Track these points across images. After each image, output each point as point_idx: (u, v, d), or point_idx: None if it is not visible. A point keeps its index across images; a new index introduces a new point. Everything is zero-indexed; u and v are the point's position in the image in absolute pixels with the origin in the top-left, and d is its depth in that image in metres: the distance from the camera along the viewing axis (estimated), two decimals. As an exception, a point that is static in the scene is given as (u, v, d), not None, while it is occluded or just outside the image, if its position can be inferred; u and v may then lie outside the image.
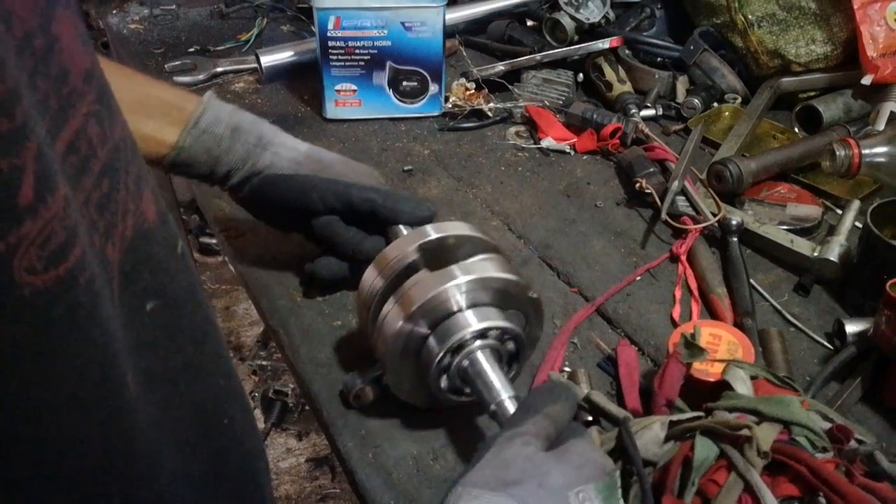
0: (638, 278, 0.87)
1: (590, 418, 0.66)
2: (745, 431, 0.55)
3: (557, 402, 0.52)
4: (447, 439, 0.68)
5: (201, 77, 1.30)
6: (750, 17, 1.17)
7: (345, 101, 1.16)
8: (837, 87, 1.17)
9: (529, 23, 1.41)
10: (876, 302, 0.70)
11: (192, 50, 1.39)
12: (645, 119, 1.15)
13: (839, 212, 0.94)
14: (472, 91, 1.20)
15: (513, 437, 0.50)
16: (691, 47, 1.21)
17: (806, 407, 0.59)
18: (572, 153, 1.11)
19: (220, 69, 1.32)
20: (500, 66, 1.21)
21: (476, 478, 0.47)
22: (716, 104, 1.19)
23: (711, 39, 1.22)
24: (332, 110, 1.17)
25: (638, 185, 0.97)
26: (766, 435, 0.55)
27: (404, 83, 1.16)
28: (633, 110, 1.15)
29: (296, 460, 2.01)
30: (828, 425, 0.59)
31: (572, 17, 1.28)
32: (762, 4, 1.16)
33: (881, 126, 1.07)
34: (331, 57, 1.12)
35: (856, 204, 0.91)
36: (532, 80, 1.23)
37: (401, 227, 0.76)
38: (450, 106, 1.18)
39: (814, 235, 0.92)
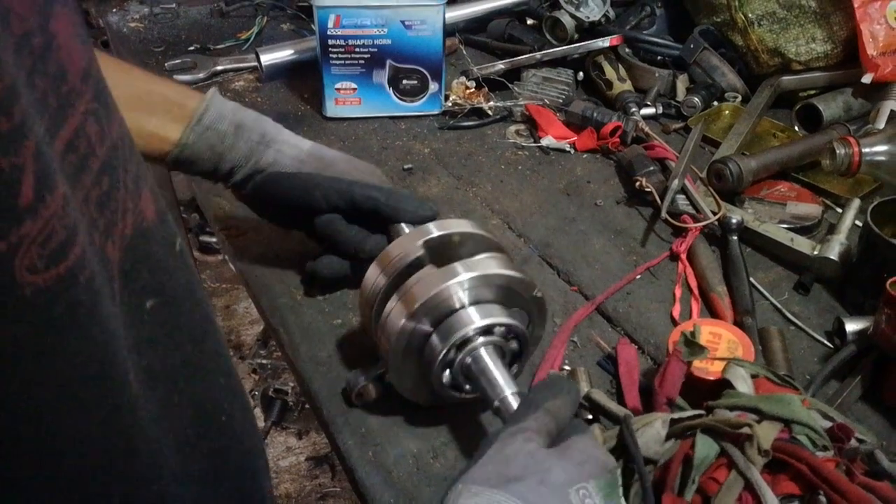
0: (638, 277, 0.87)
1: (590, 417, 0.66)
2: (745, 430, 0.55)
3: (559, 396, 0.53)
4: (447, 437, 0.68)
5: (201, 75, 1.30)
6: (750, 15, 1.17)
7: (345, 99, 1.16)
8: (837, 86, 1.17)
9: (529, 21, 1.41)
10: (876, 300, 0.70)
11: (192, 48, 1.39)
12: (645, 117, 1.14)
13: (839, 210, 0.94)
14: (472, 89, 1.20)
15: (514, 433, 0.50)
16: (691, 46, 1.21)
17: (806, 405, 0.59)
18: (572, 152, 1.11)
19: (220, 67, 1.31)
20: (500, 65, 1.21)
21: (477, 474, 0.47)
22: (716, 103, 1.19)
23: (711, 38, 1.22)
24: (332, 109, 1.17)
25: (638, 183, 0.97)
26: (767, 433, 0.55)
27: (404, 81, 1.16)
28: (634, 109, 1.14)
29: (296, 459, 2.01)
30: (828, 424, 0.59)
31: (572, 16, 1.28)
32: (762, 3, 1.16)
33: (881, 124, 1.07)
34: (331, 55, 1.12)
35: (856, 202, 0.91)
36: (532, 78, 1.22)
37: (403, 225, 0.76)
38: (450, 104, 1.18)
39: (814, 234, 0.92)
